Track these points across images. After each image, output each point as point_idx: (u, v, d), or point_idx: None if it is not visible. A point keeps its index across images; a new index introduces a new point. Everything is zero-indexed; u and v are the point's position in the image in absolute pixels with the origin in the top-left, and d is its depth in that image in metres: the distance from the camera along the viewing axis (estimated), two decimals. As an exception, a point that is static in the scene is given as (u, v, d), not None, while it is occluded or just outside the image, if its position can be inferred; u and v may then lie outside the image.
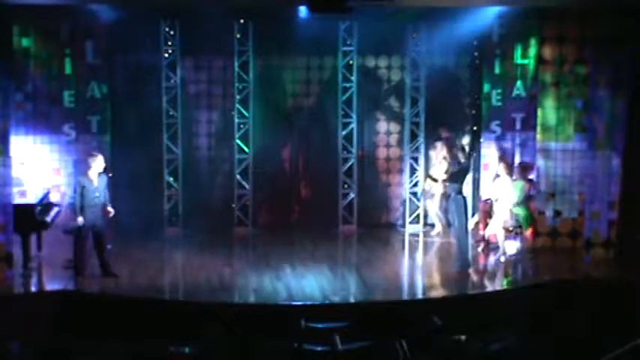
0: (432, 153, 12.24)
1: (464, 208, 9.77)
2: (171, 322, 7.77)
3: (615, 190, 10.24)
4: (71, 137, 11.32)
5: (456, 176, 9.94)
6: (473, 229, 11.24)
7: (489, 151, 11.84)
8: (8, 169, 9.48)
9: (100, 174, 9.26)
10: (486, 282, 9.71)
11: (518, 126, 11.60)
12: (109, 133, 11.56)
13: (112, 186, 11.44)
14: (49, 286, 8.95)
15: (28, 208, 9.47)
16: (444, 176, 10.79)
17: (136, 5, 11.25)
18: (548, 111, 10.94)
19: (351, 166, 12.54)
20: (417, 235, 12.20)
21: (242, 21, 12.10)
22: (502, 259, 10.25)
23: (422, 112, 12.61)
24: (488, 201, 11.14)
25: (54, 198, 10.77)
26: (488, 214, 10.95)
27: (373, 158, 12.99)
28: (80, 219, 9.04)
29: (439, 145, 11.80)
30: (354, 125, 12.51)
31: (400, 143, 13.00)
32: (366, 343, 6.82)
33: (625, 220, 10.24)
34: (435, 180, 11.68)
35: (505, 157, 11.44)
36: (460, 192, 9.85)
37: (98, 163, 9.21)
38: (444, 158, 11.11)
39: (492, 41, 11.86)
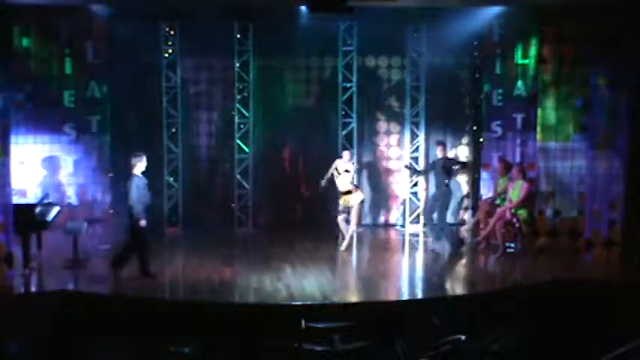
0: (338, 163, 10.92)
1: (449, 199, 11.15)
2: (171, 322, 7.76)
3: (615, 190, 10.24)
4: (71, 137, 11.33)
5: (444, 171, 10.84)
6: (473, 229, 11.27)
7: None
8: (8, 169, 9.48)
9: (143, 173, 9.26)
10: (486, 282, 9.70)
11: (518, 126, 11.61)
12: (109, 133, 11.57)
13: (112, 186, 11.48)
14: (49, 286, 8.95)
15: (28, 208, 9.46)
16: (349, 187, 10.65)
17: (136, 5, 11.24)
18: (548, 111, 10.95)
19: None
20: (417, 235, 12.20)
21: (242, 21, 12.11)
22: (502, 258, 10.26)
23: (422, 112, 12.62)
24: (489, 200, 11.16)
25: (54, 198, 10.76)
26: (488, 213, 10.94)
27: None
28: (143, 221, 8.97)
29: (346, 154, 10.96)
30: (354, 125, 12.52)
31: (400, 143, 13.01)
32: (366, 343, 6.82)
33: (628, 220, 10.24)
34: (345, 193, 10.78)
35: (504, 158, 11.47)
36: (447, 185, 10.94)
37: (143, 163, 9.18)
38: (346, 171, 10.67)
39: (492, 41, 11.88)
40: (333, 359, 6.72)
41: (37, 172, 11.19)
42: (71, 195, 11.27)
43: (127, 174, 9.08)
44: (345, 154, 10.95)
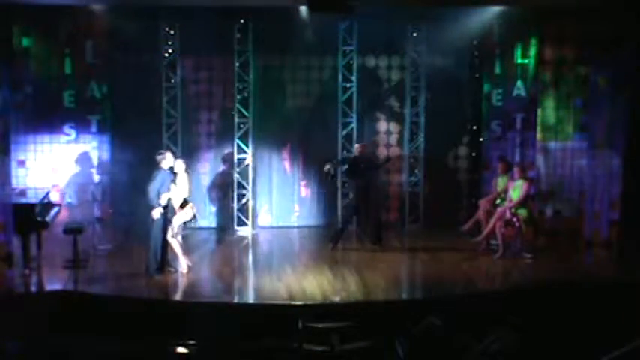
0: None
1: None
2: (171, 322, 7.76)
3: (615, 190, 10.23)
4: (71, 137, 11.33)
5: (364, 172, 11.00)
6: (471, 229, 11.27)
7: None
8: (8, 169, 9.48)
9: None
10: (486, 282, 9.70)
11: (518, 126, 11.61)
12: (109, 133, 11.56)
13: (112, 186, 11.48)
14: (49, 286, 8.95)
15: (28, 208, 9.46)
16: (180, 201, 9.25)
17: (136, 5, 11.23)
18: (548, 111, 10.95)
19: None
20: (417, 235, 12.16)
21: (242, 21, 12.12)
22: (502, 258, 10.26)
23: (422, 112, 12.65)
24: (489, 200, 11.15)
25: (54, 198, 10.77)
26: (488, 213, 10.94)
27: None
28: (157, 211, 9.05)
29: (180, 163, 9.38)
30: (354, 125, 12.53)
31: (400, 143, 13.03)
32: (366, 343, 6.82)
33: (625, 219, 10.23)
34: (182, 206, 9.29)
35: (504, 157, 11.48)
36: (367, 187, 11.04)
37: (168, 160, 9.24)
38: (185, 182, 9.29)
39: (492, 41, 11.88)
40: (333, 359, 6.72)
41: (66, 170, 11.24)
42: (71, 195, 11.27)
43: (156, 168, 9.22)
44: (179, 163, 9.36)
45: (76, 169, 11.21)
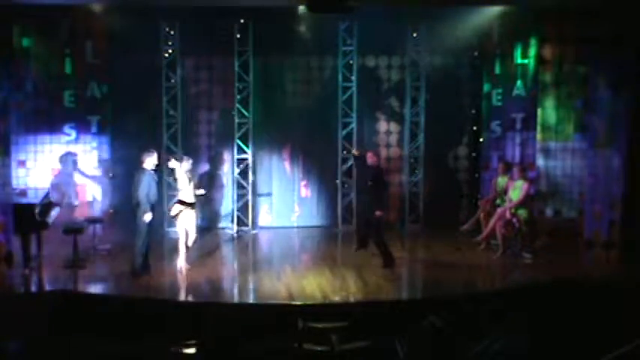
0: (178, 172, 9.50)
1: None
2: (171, 322, 7.76)
3: (615, 190, 10.23)
4: (71, 137, 11.33)
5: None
6: (470, 228, 11.26)
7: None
8: (8, 169, 9.48)
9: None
10: (486, 282, 9.70)
11: (518, 126, 11.61)
12: (109, 133, 11.57)
13: (112, 186, 11.49)
14: (49, 286, 8.95)
15: (28, 208, 9.46)
16: (191, 197, 9.46)
17: (136, 5, 11.24)
18: (548, 111, 10.95)
19: (351, 166, 12.55)
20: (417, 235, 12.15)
21: (242, 21, 12.12)
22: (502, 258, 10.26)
23: (422, 112, 12.65)
24: (489, 200, 11.15)
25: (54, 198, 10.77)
26: (488, 213, 10.94)
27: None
28: (148, 215, 9.02)
29: (187, 163, 9.56)
30: (354, 125, 12.53)
31: (400, 143, 13.03)
32: (366, 343, 6.82)
33: (626, 219, 10.23)
34: (189, 204, 9.51)
35: (504, 157, 11.48)
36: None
37: (153, 159, 9.21)
38: (188, 178, 9.45)
39: (492, 41, 11.89)
40: (333, 359, 6.72)
41: (50, 169, 11.20)
42: (71, 195, 11.27)
43: (138, 168, 9.14)
44: (185, 164, 9.51)
45: (58, 168, 11.17)
